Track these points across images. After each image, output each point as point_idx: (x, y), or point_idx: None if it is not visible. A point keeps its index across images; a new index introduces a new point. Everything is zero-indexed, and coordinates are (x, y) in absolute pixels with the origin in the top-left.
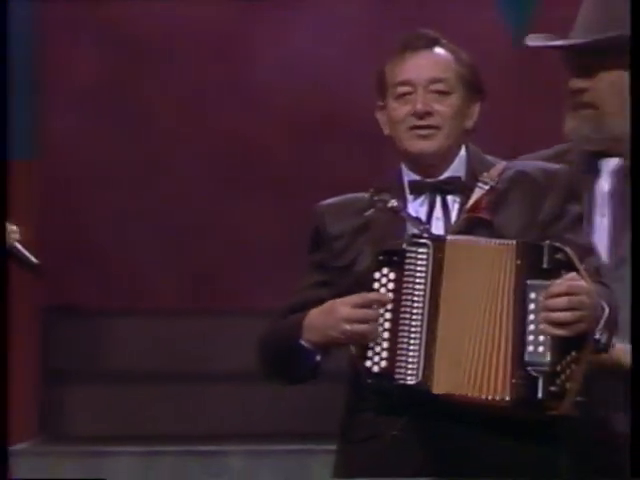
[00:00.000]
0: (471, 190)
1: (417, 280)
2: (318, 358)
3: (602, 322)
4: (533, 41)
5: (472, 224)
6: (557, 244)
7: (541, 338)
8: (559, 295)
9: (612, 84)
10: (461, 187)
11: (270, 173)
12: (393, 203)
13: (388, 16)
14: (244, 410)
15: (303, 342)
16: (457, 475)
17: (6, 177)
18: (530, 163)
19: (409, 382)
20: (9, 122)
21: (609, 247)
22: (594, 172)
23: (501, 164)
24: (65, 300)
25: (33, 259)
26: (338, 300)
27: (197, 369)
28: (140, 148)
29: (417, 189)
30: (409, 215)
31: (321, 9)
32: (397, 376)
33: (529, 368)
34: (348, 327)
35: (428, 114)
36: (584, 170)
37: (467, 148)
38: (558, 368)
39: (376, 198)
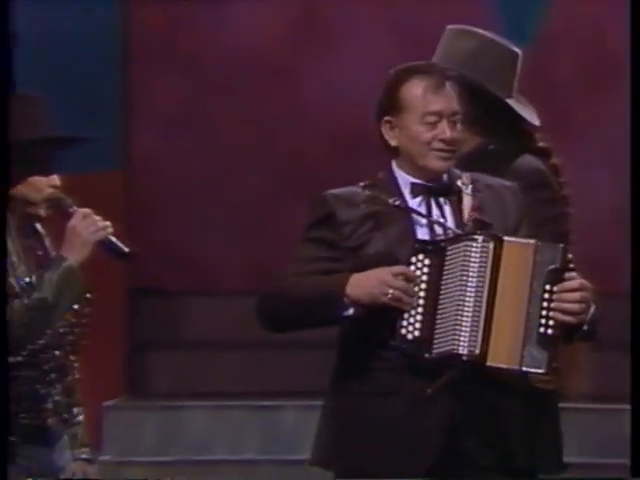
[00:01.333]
0: (457, 195)
1: (472, 268)
2: (350, 312)
3: (590, 316)
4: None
5: (477, 224)
6: (564, 246)
7: (550, 322)
8: (574, 290)
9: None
10: (448, 191)
11: (317, 180)
12: (396, 201)
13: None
14: (300, 372)
15: (345, 298)
16: (476, 432)
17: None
18: (489, 178)
19: (463, 351)
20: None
21: None
22: None
23: (465, 174)
24: (149, 283)
25: (125, 249)
26: (385, 268)
27: (258, 338)
28: (211, 158)
29: (417, 191)
30: (419, 213)
31: (359, 44)
32: (441, 346)
33: (537, 344)
34: (390, 291)
35: (453, 142)
36: None
37: None
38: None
39: (368, 193)
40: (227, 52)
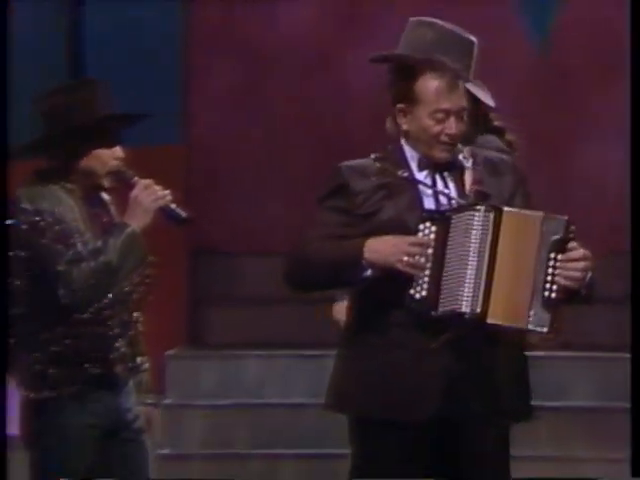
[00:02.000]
0: (460, 169)
1: (474, 235)
2: (368, 273)
3: (587, 280)
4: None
5: (478, 196)
6: (568, 219)
7: (554, 286)
8: (577, 260)
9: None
10: (451, 165)
11: (359, 151)
12: (405, 173)
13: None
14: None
15: (363, 261)
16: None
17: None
18: (487, 152)
19: (465, 309)
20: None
21: None
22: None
23: (465, 148)
24: (208, 245)
25: (183, 214)
26: (399, 237)
27: (304, 295)
28: (264, 132)
29: (424, 165)
30: (426, 184)
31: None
32: (446, 305)
33: (542, 306)
34: (405, 258)
35: (457, 136)
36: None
37: None
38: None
39: (379, 165)
40: (278, 39)
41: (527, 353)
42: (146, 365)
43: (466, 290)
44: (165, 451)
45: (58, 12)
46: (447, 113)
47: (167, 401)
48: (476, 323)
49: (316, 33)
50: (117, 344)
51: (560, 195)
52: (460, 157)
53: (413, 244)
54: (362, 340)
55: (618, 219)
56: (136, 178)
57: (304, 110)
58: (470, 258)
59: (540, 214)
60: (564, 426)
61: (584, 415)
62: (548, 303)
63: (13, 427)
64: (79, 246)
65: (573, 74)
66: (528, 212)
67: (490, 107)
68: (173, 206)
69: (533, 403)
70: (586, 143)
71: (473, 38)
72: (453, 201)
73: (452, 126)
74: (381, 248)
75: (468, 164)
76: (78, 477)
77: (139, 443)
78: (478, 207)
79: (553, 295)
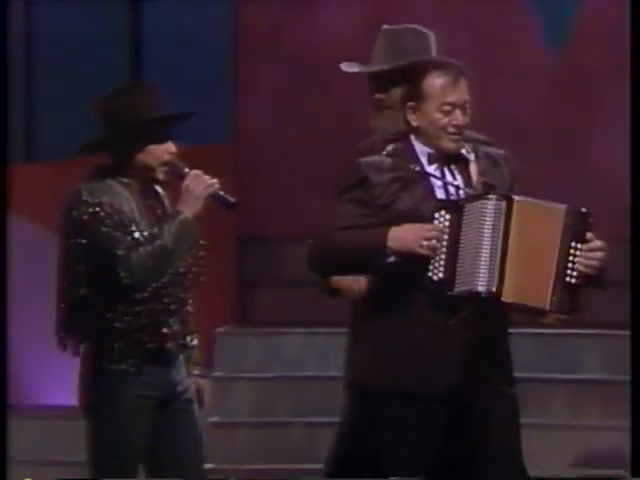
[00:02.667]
0: (465, 162)
1: (488, 221)
2: (391, 259)
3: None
4: (346, 68)
5: (485, 186)
6: (588, 212)
7: (575, 273)
8: (596, 250)
9: (385, 98)
10: (457, 159)
11: None
12: (416, 167)
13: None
14: None
15: (387, 248)
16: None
17: (7, 180)
18: (485, 147)
19: (481, 289)
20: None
21: None
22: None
23: (467, 144)
24: (255, 231)
25: (231, 200)
26: (418, 225)
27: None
28: (306, 131)
29: (434, 159)
30: (436, 176)
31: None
32: (462, 285)
33: (563, 290)
34: (425, 242)
35: (463, 126)
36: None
37: None
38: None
39: (391, 160)
40: (318, 45)
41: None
42: (195, 342)
43: (482, 271)
44: (214, 419)
45: (120, 15)
46: (453, 106)
47: (216, 374)
48: (491, 301)
49: (352, 38)
50: (170, 321)
51: (576, 185)
52: (463, 152)
53: (430, 230)
54: (382, 318)
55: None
56: (187, 169)
57: (340, 109)
58: (484, 242)
59: (563, 207)
60: (575, 396)
61: (593, 386)
62: (569, 288)
63: (71, 398)
64: (136, 233)
65: (588, 73)
66: (545, 203)
67: None
68: (221, 192)
69: (549, 376)
70: (598, 138)
71: (429, 32)
72: (461, 191)
73: (458, 117)
74: (403, 236)
75: (472, 157)
76: (133, 444)
77: (189, 412)
78: (490, 196)
79: (574, 281)
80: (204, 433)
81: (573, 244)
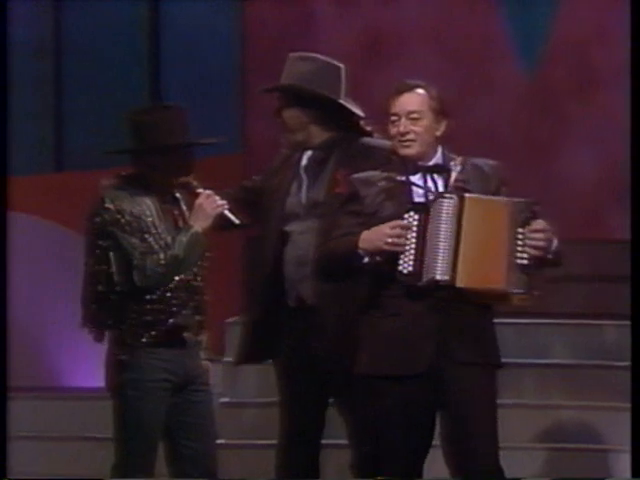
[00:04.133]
0: (447, 172)
1: (444, 217)
2: (366, 260)
3: (553, 248)
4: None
5: (457, 190)
6: (532, 201)
7: (525, 255)
8: (539, 231)
9: (290, 115)
10: (441, 169)
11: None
12: (401, 177)
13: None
14: None
15: (359, 250)
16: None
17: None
18: (477, 159)
19: (439, 277)
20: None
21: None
22: (300, 159)
23: (460, 157)
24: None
25: (237, 221)
26: (382, 225)
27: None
28: None
29: (415, 170)
30: (418, 185)
31: (409, 55)
32: (427, 276)
33: (517, 272)
34: (389, 240)
35: (407, 133)
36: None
37: (442, 148)
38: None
39: (383, 172)
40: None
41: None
42: (204, 336)
43: (439, 262)
44: (225, 399)
45: (140, 37)
46: (397, 116)
47: (227, 359)
48: (451, 288)
49: (346, 56)
50: (184, 314)
51: (547, 190)
52: (452, 164)
53: (393, 227)
54: (367, 313)
55: (593, 209)
56: (200, 189)
57: None
58: (442, 236)
59: (505, 200)
60: (545, 379)
61: (561, 370)
62: (522, 269)
63: (98, 380)
64: (152, 241)
65: (557, 89)
66: (493, 198)
67: (360, 117)
68: (229, 213)
69: (522, 361)
70: (567, 148)
71: (341, 65)
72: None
73: (399, 125)
74: (370, 236)
75: (457, 168)
76: (153, 422)
77: (204, 392)
78: (446, 195)
79: (525, 262)
80: (216, 412)
81: (520, 230)
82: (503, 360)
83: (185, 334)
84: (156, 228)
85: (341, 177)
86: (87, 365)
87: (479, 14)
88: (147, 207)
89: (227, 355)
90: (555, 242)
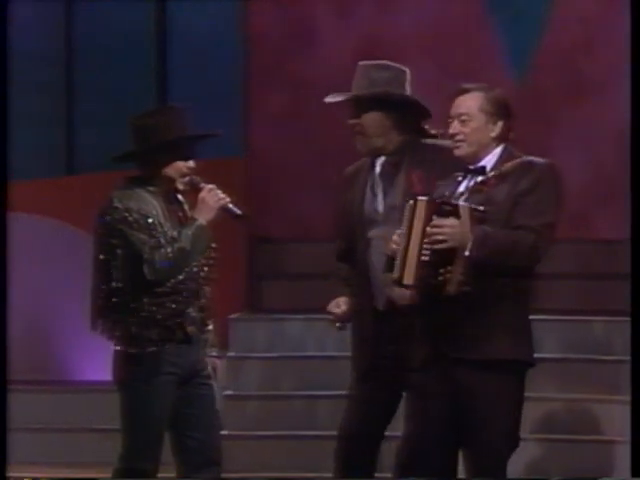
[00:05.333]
0: (485, 174)
1: (404, 220)
2: None
3: (469, 245)
4: (329, 98)
5: (474, 193)
6: (450, 201)
7: (428, 252)
8: (436, 227)
9: (372, 119)
10: (479, 171)
11: None
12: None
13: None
14: None
15: None
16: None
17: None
18: (533, 159)
19: (394, 276)
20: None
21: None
22: (373, 165)
23: (518, 159)
24: (263, 233)
25: (239, 212)
26: None
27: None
28: (309, 146)
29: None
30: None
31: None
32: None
33: (425, 267)
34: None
35: (456, 134)
36: (370, 164)
37: (505, 148)
38: (441, 270)
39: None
40: (319, 72)
41: None
42: (211, 327)
43: (396, 262)
44: (229, 392)
45: (148, 50)
46: (451, 117)
47: (230, 354)
48: (400, 286)
49: (345, 63)
50: (189, 310)
51: None
52: (503, 165)
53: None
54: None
55: (581, 210)
56: (203, 184)
57: (335, 128)
58: (401, 238)
59: (424, 198)
60: (537, 373)
61: (552, 364)
62: (424, 265)
63: (101, 373)
64: (159, 236)
65: (546, 96)
66: (429, 199)
67: (430, 118)
68: (231, 205)
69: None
70: (556, 153)
71: (406, 69)
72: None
73: (451, 127)
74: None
75: (491, 172)
76: (159, 414)
77: (208, 385)
78: (409, 199)
79: (427, 258)
80: (221, 404)
81: (427, 229)
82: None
83: (190, 328)
84: (162, 226)
85: (416, 178)
86: (95, 359)
87: (470, 24)
88: (153, 207)
89: (231, 350)
90: (470, 241)
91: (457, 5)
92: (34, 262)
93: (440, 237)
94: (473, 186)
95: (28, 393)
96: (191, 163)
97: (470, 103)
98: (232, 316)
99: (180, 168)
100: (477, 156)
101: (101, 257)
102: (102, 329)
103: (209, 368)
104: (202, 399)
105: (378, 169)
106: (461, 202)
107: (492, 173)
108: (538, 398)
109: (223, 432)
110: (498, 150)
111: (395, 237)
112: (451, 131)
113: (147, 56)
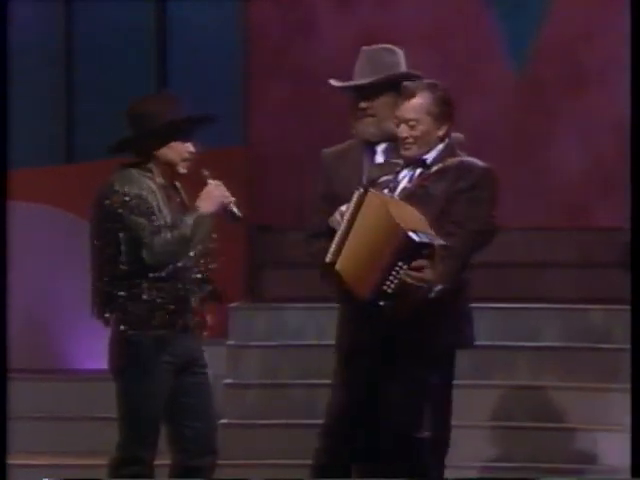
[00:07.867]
0: (426, 167)
1: (351, 205)
2: None
3: (435, 290)
4: (335, 82)
5: (418, 188)
6: (427, 242)
7: (392, 285)
8: (417, 269)
9: (385, 103)
10: (422, 164)
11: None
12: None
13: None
14: None
15: None
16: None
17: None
18: (471, 161)
19: (328, 258)
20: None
21: None
22: (372, 152)
23: (457, 158)
24: (262, 221)
25: (238, 214)
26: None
27: None
28: (308, 136)
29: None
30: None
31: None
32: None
33: (381, 295)
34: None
35: (405, 138)
36: (366, 151)
37: (445, 147)
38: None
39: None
40: (318, 60)
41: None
42: (209, 317)
43: (333, 244)
44: (228, 381)
45: (148, 44)
46: (398, 120)
47: (229, 342)
48: (332, 269)
49: (347, 57)
50: (190, 299)
51: (536, 182)
52: (441, 162)
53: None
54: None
55: (581, 200)
56: (211, 180)
57: (333, 117)
58: (343, 222)
59: (403, 229)
60: (537, 361)
61: (552, 352)
62: (385, 295)
63: (100, 362)
64: (159, 220)
65: (545, 87)
66: (403, 206)
67: None
68: (233, 207)
69: (515, 344)
70: (555, 143)
71: (399, 50)
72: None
73: (400, 131)
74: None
75: (434, 167)
76: (156, 402)
77: (204, 374)
78: (359, 187)
79: (390, 290)
80: (219, 393)
81: (400, 263)
82: (497, 343)
83: (188, 317)
84: (161, 211)
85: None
86: (95, 347)
87: (470, 15)
88: (152, 192)
89: (230, 338)
90: (437, 287)
91: None
92: (33, 250)
93: (423, 277)
94: (416, 181)
95: (28, 382)
96: (190, 146)
97: (418, 108)
98: (232, 305)
99: (180, 151)
100: (424, 154)
101: (101, 242)
102: (101, 313)
103: (206, 357)
104: (198, 388)
105: (380, 155)
106: (436, 242)
107: (435, 168)
108: (538, 387)
109: (222, 421)
110: (440, 146)
111: (337, 216)
112: (400, 135)
113: (147, 52)
